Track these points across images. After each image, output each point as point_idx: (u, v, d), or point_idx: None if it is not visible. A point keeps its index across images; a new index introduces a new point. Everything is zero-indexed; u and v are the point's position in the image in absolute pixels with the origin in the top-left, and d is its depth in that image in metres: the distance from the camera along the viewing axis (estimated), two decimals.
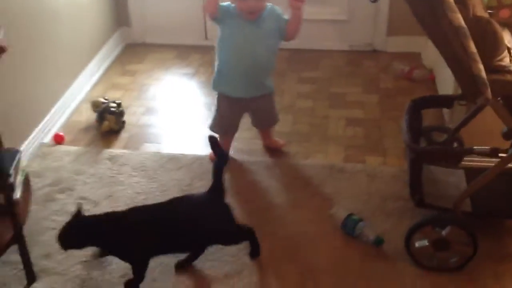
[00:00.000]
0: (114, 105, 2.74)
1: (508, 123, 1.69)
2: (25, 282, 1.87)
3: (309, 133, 2.68)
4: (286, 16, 2.25)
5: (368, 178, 2.36)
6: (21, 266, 1.86)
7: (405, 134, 1.95)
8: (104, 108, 2.71)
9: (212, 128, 2.43)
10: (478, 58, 1.56)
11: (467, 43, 1.54)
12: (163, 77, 3.26)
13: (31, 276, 1.88)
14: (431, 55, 3.11)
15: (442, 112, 2.67)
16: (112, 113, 2.71)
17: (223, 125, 2.43)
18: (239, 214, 2.07)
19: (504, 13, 1.95)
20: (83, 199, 2.28)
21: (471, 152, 1.85)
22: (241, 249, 1.99)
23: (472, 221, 1.89)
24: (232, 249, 2.00)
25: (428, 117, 2.43)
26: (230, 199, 1.97)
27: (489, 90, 1.59)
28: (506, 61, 1.65)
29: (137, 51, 3.53)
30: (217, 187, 1.84)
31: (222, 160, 1.86)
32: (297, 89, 3.05)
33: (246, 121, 2.50)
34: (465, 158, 1.88)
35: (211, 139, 1.86)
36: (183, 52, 3.48)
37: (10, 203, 1.77)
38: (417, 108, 2.09)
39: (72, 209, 2.15)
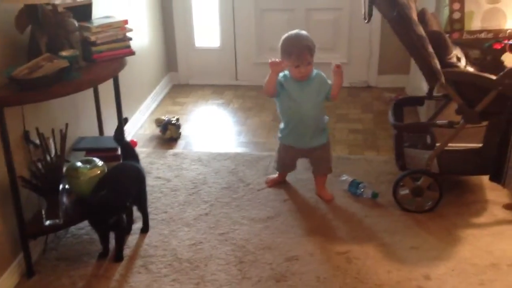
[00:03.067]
0: (174, 119, 3.64)
1: (457, 101, 2.57)
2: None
3: None
4: (330, 81, 2.74)
5: (366, 162, 3.21)
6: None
7: (390, 118, 2.83)
8: (167, 121, 3.60)
9: (276, 168, 2.99)
10: (435, 56, 2.46)
11: (427, 46, 2.44)
12: (205, 106, 4.18)
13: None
14: (412, 88, 4.04)
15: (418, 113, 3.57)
16: (173, 124, 3.60)
17: (282, 166, 2.96)
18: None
19: (455, 35, 2.85)
20: (159, 178, 3.13)
21: (434, 125, 2.74)
22: (275, 200, 2.84)
23: (440, 176, 2.72)
24: (272, 200, 2.85)
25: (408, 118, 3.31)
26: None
27: (443, 77, 2.48)
28: (454, 60, 2.56)
29: (183, 89, 4.47)
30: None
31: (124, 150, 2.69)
32: None
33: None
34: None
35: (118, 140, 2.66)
36: (219, 90, 4.43)
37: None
38: (399, 105, 2.98)
39: (152, 183, 3.03)
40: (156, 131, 3.69)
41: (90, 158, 2.58)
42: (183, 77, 4.54)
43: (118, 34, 2.47)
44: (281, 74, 2.70)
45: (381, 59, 4.27)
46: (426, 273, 2.31)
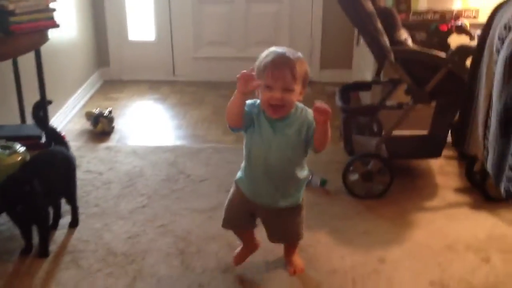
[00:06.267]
0: (106, 111, 3.37)
1: (406, 80, 2.48)
2: None
3: None
4: None
5: (313, 153, 3.06)
6: None
7: (338, 102, 2.71)
8: (99, 113, 3.33)
9: (222, 224, 2.09)
10: (383, 32, 2.37)
11: (376, 22, 2.35)
12: (140, 101, 3.94)
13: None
14: None
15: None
16: (105, 117, 3.33)
17: (230, 220, 2.07)
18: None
19: (402, 17, 2.77)
20: (89, 171, 2.85)
21: (383, 107, 2.64)
22: (219, 190, 2.63)
23: (389, 160, 2.62)
24: (215, 191, 2.64)
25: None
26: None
27: (392, 55, 2.39)
28: (403, 37, 2.48)
29: (115, 85, 4.19)
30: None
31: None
32: None
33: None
34: None
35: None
36: (155, 85, 4.19)
37: None
38: (345, 90, 2.88)
39: (82, 177, 2.76)
40: (87, 125, 3.41)
41: (10, 143, 2.30)
42: (116, 73, 4.27)
43: (41, 3, 2.22)
44: (250, 103, 1.86)
45: (323, 53, 4.18)
46: (381, 257, 2.18)
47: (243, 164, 1.98)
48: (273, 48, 1.82)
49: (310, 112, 1.83)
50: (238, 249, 2.15)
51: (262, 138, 1.85)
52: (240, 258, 2.13)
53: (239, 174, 2.01)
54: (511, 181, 1.49)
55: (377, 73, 2.76)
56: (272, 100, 1.76)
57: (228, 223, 2.08)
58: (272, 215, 1.98)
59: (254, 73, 1.74)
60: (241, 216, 2.04)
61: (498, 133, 1.58)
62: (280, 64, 1.75)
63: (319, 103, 1.72)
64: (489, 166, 1.68)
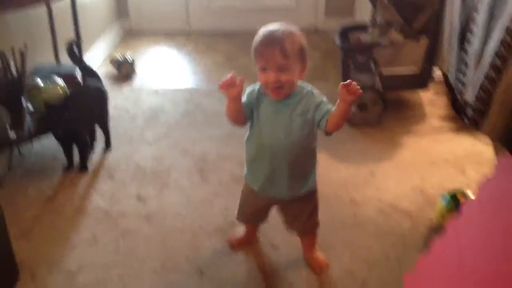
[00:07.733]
0: (129, 56, 3.71)
1: (396, 19, 2.78)
2: None
3: None
4: (330, 105, 1.72)
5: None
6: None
7: (337, 41, 3.02)
8: (122, 57, 3.68)
9: (238, 217, 2.06)
10: None
11: None
12: (158, 47, 4.27)
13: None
14: None
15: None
16: (128, 62, 3.68)
17: (243, 214, 2.04)
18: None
19: None
20: (116, 108, 3.22)
21: (378, 44, 2.95)
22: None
23: (383, 93, 2.95)
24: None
25: None
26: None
27: None
28: None
29: (135, 35, 4.52)
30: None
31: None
32: None
33: None
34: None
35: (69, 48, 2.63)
36: (171, 34, 4.51)
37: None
38: (344, 32, 3.18)
39: (110, 112, 3.11)
40: (110, 70, 3.76)
41: (52, 78, 2.65)
42: (135, 23, 4.58)
43: None
44: (249, 91, 1.77)
45: (328, 2, 4.45)
46: (371, 171, 2.54)
47: (246, 160, 1.89)
48: (264, 27, 1.70)
49: (316, 94, 1.75)
50: (239, 233, 2.13)
51: (262, 125, 1.75)
52: (237, 244, 2.11)
53: (246, 170, 1.92)
54: (461, 82, 1.80)
55: (373, 15, 3.06)
56: (269, 82, 1.67)
57: (242, 217, 2.05)
58: (288, 206, 1.92)
59: (233, 76, 1.62)
60: (255, 212, 2.00)
61: (456, 47, 1.89)
62: (269, 43, 1.65)
63: (351, 82, 1.60)
64: (451, 78, 1.99)
